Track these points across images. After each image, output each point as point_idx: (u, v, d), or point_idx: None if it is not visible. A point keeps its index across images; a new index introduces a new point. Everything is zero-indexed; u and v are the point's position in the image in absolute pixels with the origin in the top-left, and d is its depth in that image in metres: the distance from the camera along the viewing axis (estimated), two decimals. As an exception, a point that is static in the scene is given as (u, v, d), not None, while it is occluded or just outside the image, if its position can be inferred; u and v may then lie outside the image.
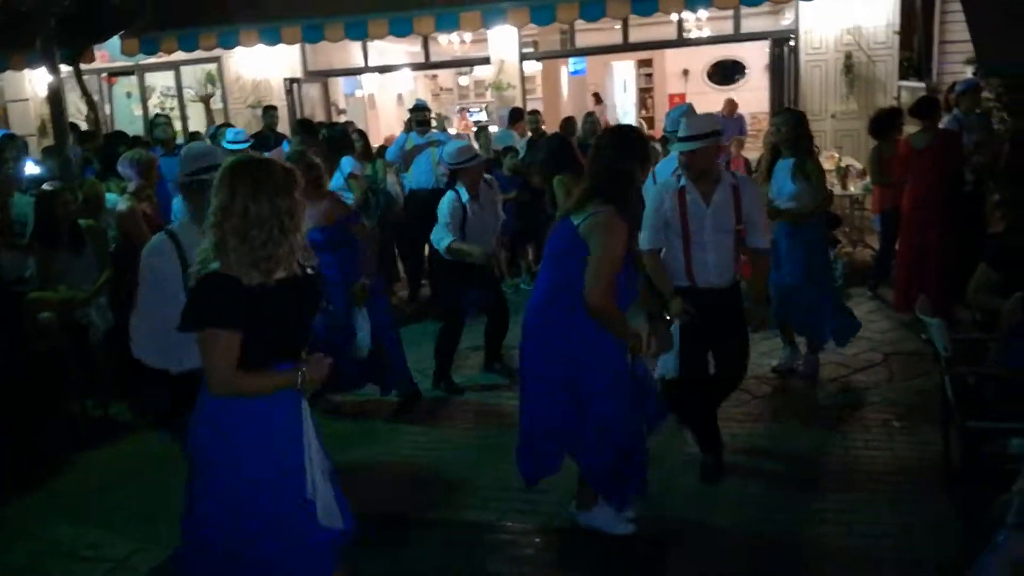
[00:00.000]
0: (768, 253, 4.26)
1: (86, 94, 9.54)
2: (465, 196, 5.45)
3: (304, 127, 7.90)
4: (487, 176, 5.79)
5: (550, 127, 9.96)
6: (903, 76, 10.44)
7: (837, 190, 8.55)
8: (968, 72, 9.17)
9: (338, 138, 7.20)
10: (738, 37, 11.78)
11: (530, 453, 3.62)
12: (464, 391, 5.64)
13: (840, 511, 3.84)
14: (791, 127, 5.17)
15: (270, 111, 10.00)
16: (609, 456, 3.46)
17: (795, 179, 5.13)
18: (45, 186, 5.53)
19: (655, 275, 4.00)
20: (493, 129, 11.05)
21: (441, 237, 5.41)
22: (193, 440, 2.58)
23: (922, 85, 9.83)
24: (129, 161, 5.59)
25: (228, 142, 7.48)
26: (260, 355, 2.48)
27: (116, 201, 5.74)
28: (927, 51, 10.13)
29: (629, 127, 3.73)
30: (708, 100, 16.04)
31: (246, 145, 7.51)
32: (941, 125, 6.53)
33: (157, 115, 8.88)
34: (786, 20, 11.81)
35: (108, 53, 11.89)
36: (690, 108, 5.33)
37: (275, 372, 2.53)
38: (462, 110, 16.72)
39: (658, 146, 7.69)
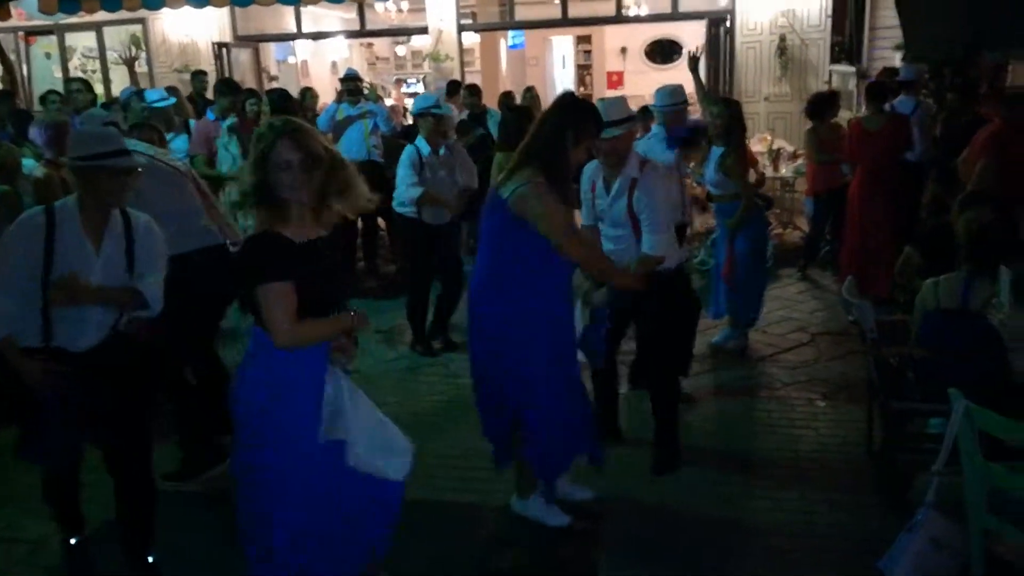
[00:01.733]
0: (649, 258, 3.77)
1: (1, 53, 9.06)
2: (426, 149, 5.42)
3: (228, 85, 7.66)
4: (450, 141, 5.80)
5: (489, 100, 9.84)
6: (835, 60, 10.64)
7: (769, 172, 8.68)
8: (896, 58, 9.40)
9: (277, 101, 7.01)
10: (676, 16, 11.82)
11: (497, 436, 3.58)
12: (438, 353, 5.80)
13: (768, 488, 3.92)
14: (726, 119, 5.20)
15: (199, 76, 9.66)
16: (549, 435, 3.43)
17: (717, 170, 5.24)
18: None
19: (592, 251, 3.78)
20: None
21: (407, 189, 5.42)
22: (250, 396, 2.64)
23: (852, 69, 10.04)
24: (43, 127, 5.31)
25: (152, 102, 7.27)
26: (312, 307, 2.58)
27: (33, 167, 5.45)
28: (858, 36, 10.35)
29: (569, 94, 3.47)
30: (646, 79, 16.09)
31: (172, 101, 7.30)
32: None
33: (72, 79, 8.47)
34: (723, 1, 11.91)
35: (25, 11, 11.31)
36: (679, 88, 5.35)
37: (331, 318, 2.67)
38: (398, 81, 16.47)
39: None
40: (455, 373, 5.43)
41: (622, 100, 3.88)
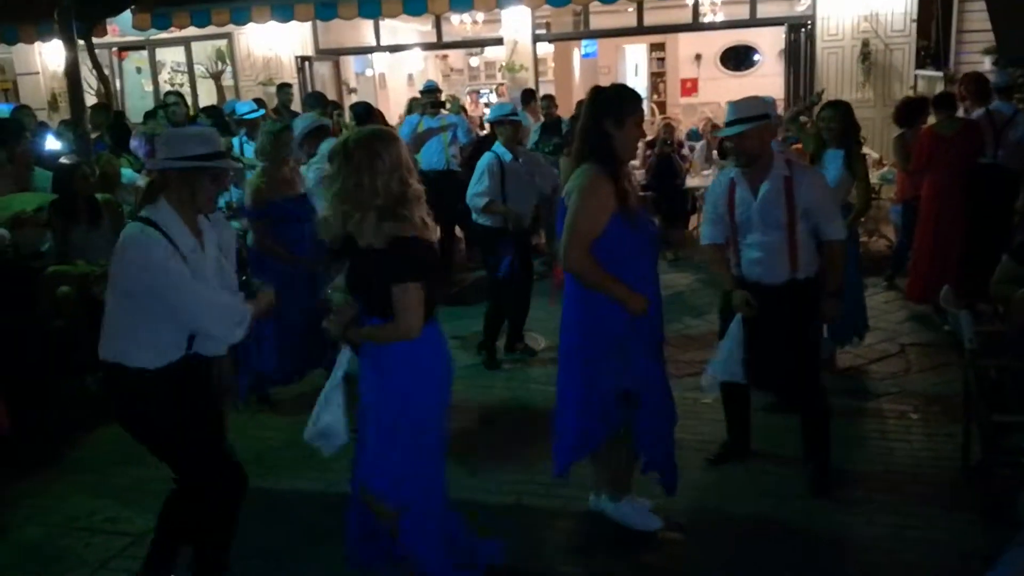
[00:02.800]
0: (842, 244, 3.83)
1: (98, 68, 9.48)
2: (507, 156, 5.48)
3: (318, 99, 7.88)
4: (531, 151, 5.87)
5: (562, 111, 9.88)
6: (920, 65, 10.36)
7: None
8: (987, 62, 9.10)
9: (362, 114, 7.20)
10: (754, 22, 11.67)
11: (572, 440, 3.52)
12: (536, 353, 5.93)
13: (859, 502, 3.83)
14: (840, 120, 5.08)
15: (285, 88, 9.94)
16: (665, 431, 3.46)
17: (843, 170, 5.05)
18: (63, 160, 5.50)
19: (713, 267, 3.96)
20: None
21: (472, 198, 5.49)
22: (393, 385, 2.91)
23: (939, 74, 9.76)
24: (144, 138, 5.57)
25: (241, 115, 7.74)
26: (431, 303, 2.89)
27: (132, 177, 5.72)
28: (945, 40, 10.05)
29: (604, 87, 3.43)
30: (720, 86, 15.94)
31: (260, 113, 7.60)
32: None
33: (168, 93, 8.84)
34: (802, 6, 11.73)
35: (119, 27, 11.80)
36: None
37: None
38: (472, 92, 16.61)
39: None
40: (531, 379, 5.47)
41: (754, 98, 3.84)
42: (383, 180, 2.76)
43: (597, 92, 3.38)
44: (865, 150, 9.06)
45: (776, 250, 3.74)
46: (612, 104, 3.27)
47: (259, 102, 9.06)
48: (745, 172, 3.78)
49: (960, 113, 6.65)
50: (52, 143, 6.57)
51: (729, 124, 3.72)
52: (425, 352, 2.93)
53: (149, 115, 8.89)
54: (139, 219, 2.89)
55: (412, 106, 9.15)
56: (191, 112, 9.61)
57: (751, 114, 3.68)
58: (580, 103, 9.38)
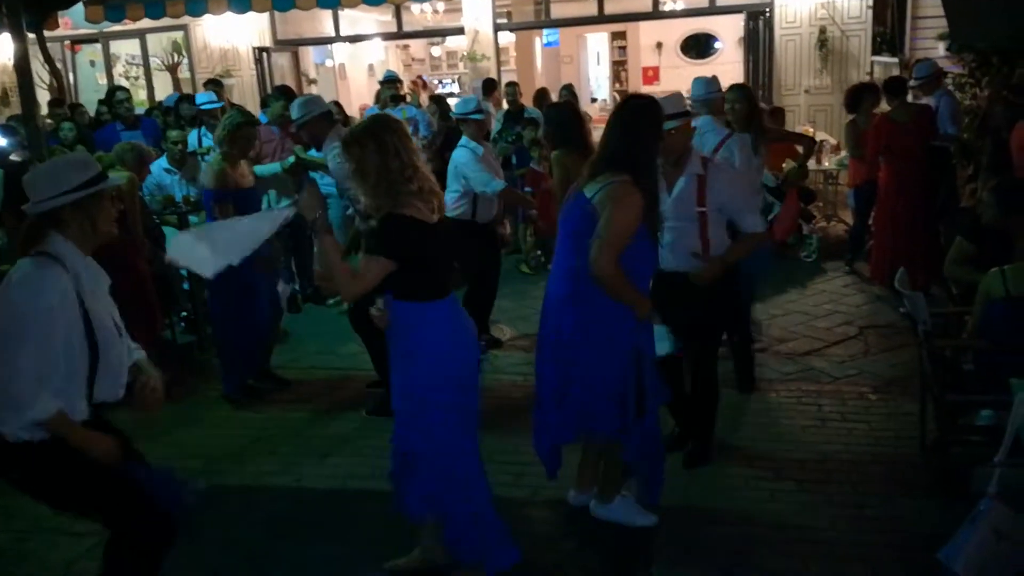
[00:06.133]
0: (760, 235, 3.86)
1: (50, 62, 9.29)
2: (479, 149, 5.51)
3: (284, 92, 7.82)
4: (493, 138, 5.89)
5: (524, 100, 9.88)
6: (876, 51, 10.51)
7: (811, 164, 8.61)
8: (940, 47, 9.26)
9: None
10: (713, 10, 11.76)
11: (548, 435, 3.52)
12: (502, 343, 5.95)
13: (819, 482, 3.90)
14: (744, 100, 5.06)
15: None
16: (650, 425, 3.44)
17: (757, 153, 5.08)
18: (13, 156, 5.39)
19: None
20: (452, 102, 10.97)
21: (493, 182, 5.49)
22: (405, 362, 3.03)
23: (895, 60, 9.92)
24: (124, 153, 5.49)
25: (201, 104, 7.79)
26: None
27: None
28: (900, 26, 10.21)
29: (643, 96, 3.45)
30: (681, 74, 16.03)
31: (221, 104, 7.55)
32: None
33: (117, 88, 8.67)
34: (761, -7, 11.83)
35: (72, 20, 11.57)
36: (713, 79, 5.34)
37: None
38: (417, 77, 16.34)
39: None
40: (500, 369, 5.48)
41: (677, 95, 3.79)
42: (383, 161, 2.85)
43: (636, 100, 3.36)
44: (822, 135, 9.26)
45: (688, 239, 3.76)
46: (650, 115, 3.25)
47: (215, 83, 8.93)
48: (665, 168, 3.71)
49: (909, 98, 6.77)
50: (0, 140, 6.43)
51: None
52: (431, 332, 2.98)
53: (101, 102, 8.74)
54: (35, 254, 2.58)
55: (380, 96, 9.09)
56: (150, 105, 9.47)
57: (674, 111, 3.59)
58: (541, 91, 9.53)
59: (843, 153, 8.24)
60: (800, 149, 6.55)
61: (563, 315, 3.33)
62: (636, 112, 3.27)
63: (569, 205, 3.32)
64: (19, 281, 2.52)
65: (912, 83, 6.84)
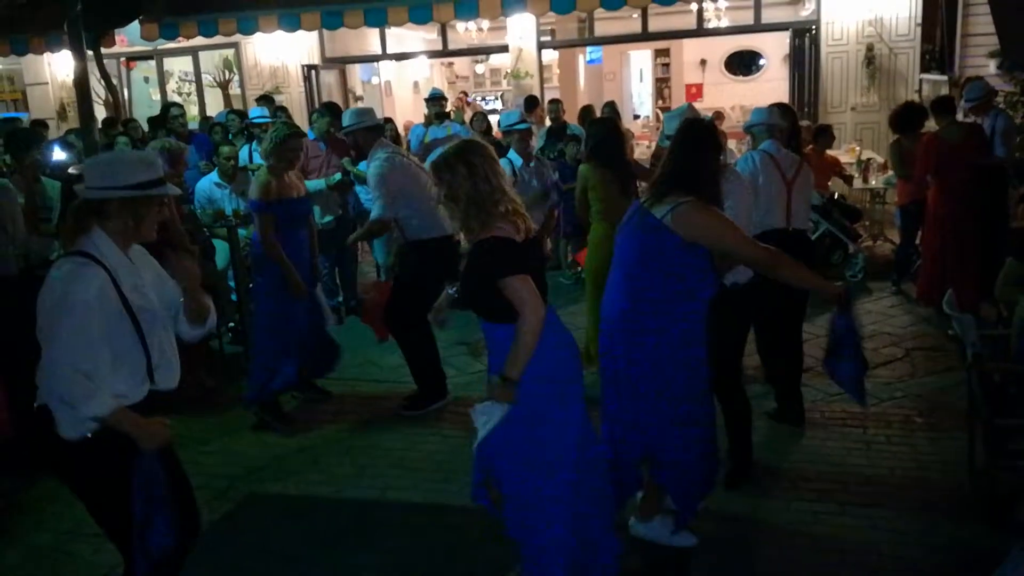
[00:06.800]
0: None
1: (106, 78, 9.56)
2: (519, 161, 5.54)
3: (330, 108, 7.97)
4: (539, 156, 5.93)
5: (568, 116, 9.93)
6: (925, 69, 10.37)
7: (858, 183, 8.52)
8: (991, 65, 9.10)
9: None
10: (758, 27, 11.70)
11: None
12: None
13: (863, 506, 3.84)
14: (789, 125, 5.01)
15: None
16: (693, 456, 3.40)
17: None
18: (71, 170, 5.55)
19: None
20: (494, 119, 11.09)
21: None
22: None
23: (944, 78, 9.77)
24: (160, 151, 5.63)
25: (254, 118, 8.16)
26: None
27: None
28: (949, 44, 10.06)
29: (709, 122, 3.56)
30: (726, 91, 15.97)
31: (271, 119, 7.77)
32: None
33: (172, 104, 8.94)
34: (806, 11, 11.74)
35: (127, 37, 11.91)
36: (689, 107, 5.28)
37: None
38: (461, 94, 16.48)
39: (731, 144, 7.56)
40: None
41: (691, 113, 3.89)
42: (473, 184, 2.87)
43: (701, 126, 3.43)
44: (870, 154, 9.14)
45: None
46: (715, 140, 3.37)
47: (267, 100, 9.15)
48: None
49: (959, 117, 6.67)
50: (59, 154, 6.63)
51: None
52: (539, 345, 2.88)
53: (153, 122, 8.99)
54: (71, 254, 2.61)
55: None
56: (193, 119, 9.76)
57: None
58: (586, 108, 9.56)
59: (890, 172, 8.13)
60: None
61: (619, 337, 3.33)
62: (701, 136, 3.34)
63: (630, 227, 3.32)
64: (59, 279, 2.56)
65: (964, 104, 6.74)
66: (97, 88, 9.82)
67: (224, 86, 13.08)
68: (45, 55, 12.38)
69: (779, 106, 5.27)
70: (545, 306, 2.91)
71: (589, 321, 5.33)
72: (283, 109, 9.70)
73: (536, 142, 8.57)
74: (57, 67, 13.15)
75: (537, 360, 2.85)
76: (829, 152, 8.21)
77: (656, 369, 3.27)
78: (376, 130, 5.26)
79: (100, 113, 9.91)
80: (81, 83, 5.93)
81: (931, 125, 6.75)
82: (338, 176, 6.71)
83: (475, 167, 2.88)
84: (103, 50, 9.73)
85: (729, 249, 3.24)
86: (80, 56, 5.92)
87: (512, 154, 5.69)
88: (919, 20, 10.33)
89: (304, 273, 4.99)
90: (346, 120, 5.29)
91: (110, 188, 2.62)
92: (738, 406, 4.06)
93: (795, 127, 5.07)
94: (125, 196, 2.62)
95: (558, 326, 3.02)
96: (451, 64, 17.50)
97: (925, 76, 10.28)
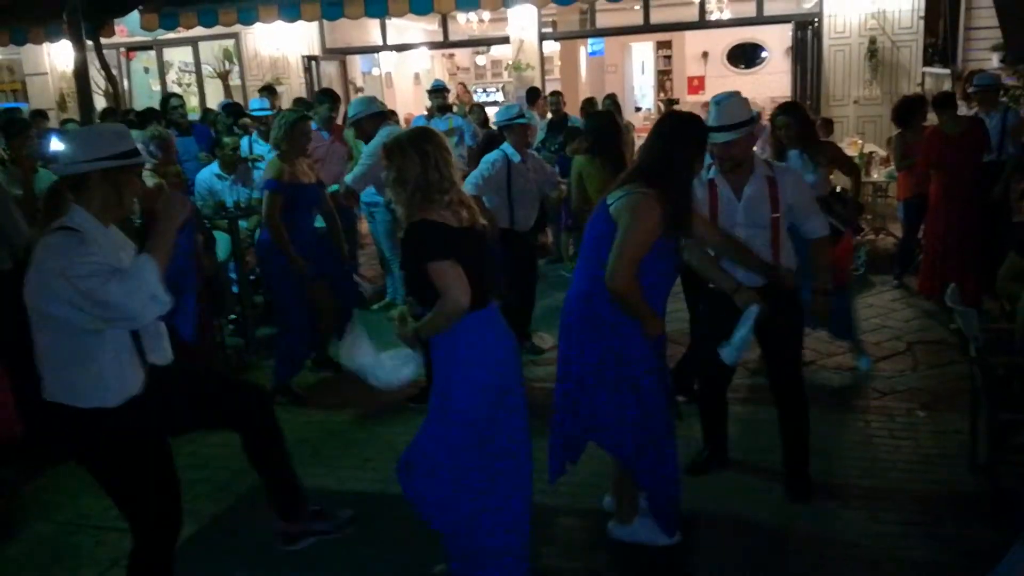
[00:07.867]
0: (826, 239, 3.83)
1: (106, 68, 9.52)
2: (515, 157, 5.48)
3: (328, 94, 7.94)
4: (534, 152, 5.91)
5: (569, 108, 9.91)
6: (927, 62, 10.35)
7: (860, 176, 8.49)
8: (994, 59, 9.08)
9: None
10: (761, 20, 11.68)
11: (561, 445, 3.50)
12: (543, 351, 5.90)
13: (866, 499, 3.83)
14: (797, 123, 4.93)
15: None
16: (650, 452, 3.36)
17: (815, 169, 4.97)
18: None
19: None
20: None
21: (469, 183, 5.40)
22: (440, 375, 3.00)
23: (947, 71, 9.75)
24: (148, 139, 5.62)
25: (254, 110, 8.28)
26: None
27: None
28: (952, 37, 10.03)
29: (688, 114, 3.43)
30: (727, 83, 15.89)
31: (272, 112, 7.74)
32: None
33: (172, 95, 8.89)
34: (809, 3, 11.70)
35: (127, 28, 11.88)
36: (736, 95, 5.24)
37: None
38: (458, 84, 16.46)
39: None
40: (539, 378, 5.48)
41: (738, 101, 3.65)
42: (423, 171, 2.87)
43: (674, 122, 3.32)
44: (872, 147, 9.12)
45: (758, 248, 3.65)
46: (689, 132, 3.25)
47: (270, 91, 9.12)
48: (727, 174, 3.70)
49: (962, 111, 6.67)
50: (57, 145, 6.61)
51: (719, 130, 3.55)
52: (464, 339, 2.93)
53: (147, 114, 8.94)
54: (55, 229, 2.56)
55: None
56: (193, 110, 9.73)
57: (740, 120, 3.56)
58: (588, 100, 9.54)
59: (892, 166, 8.11)
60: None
61: (573, 318, 3.35)
62: (675, 128, 3.25)
63: (594, 212, 3.32)
64: (46, 247, 2.52)
65: (970, 89, 6.74)
66: (97, 78, 9.79)
67: (224, 77, 13.04)
68: (45, 45, 12.35)
69: (786, 109, 5.16)
70: (489, 302, 2.98)
71: None
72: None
73: (537, 135, 8.56)
74: (57, 57, 13.11)
75: (478, 363, 2.94)
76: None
77: (603, 363, 3.27)
78: (380, 116, 5.59)
79: (100, 103, 9.88)
80: (81, 73, 5.93)
81: (933, 119, 6.75)
82: (336, 187, 6.70)
83: (428, 155, 2.88)
84: (103, 40, 9.69)
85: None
86: (80, 46, 5.92)
87: (508, 149, 5.58)
88: (922, 13, 10.31)
89: (313, 258, 5.07)
90: (351, 110, 5.39)
91: (91, 160, 2.58)
92: (714, 406, 4.07)
93: (806, 121, 5.04)
94: (107, 167, 2.60)
95: (500, 327, 3.06)
96: (452, 55, 17.46)
97: (928, 69, 10.26)
